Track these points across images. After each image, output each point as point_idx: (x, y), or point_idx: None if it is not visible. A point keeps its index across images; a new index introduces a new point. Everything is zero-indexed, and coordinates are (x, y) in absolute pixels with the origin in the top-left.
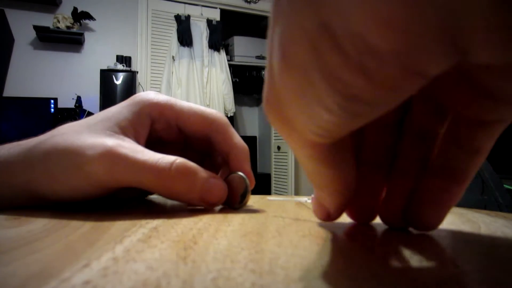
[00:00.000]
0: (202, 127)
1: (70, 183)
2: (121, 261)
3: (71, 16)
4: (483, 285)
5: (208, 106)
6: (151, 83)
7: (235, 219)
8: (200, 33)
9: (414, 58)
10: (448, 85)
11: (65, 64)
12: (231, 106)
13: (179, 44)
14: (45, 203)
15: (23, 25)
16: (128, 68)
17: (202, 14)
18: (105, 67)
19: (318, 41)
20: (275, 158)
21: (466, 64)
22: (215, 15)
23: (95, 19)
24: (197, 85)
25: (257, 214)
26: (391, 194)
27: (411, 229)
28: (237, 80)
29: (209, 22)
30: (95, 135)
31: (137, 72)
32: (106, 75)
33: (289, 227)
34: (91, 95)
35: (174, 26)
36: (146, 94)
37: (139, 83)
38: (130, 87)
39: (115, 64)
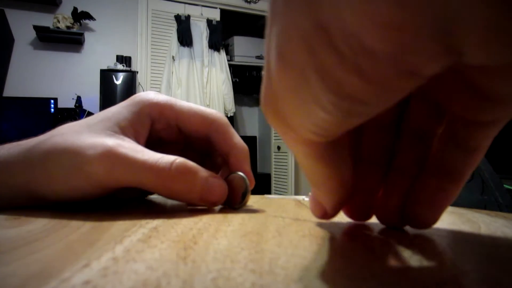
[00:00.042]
0: (202, 127)
1: (70, 183)
2: (121, 261)
3: (71, 16)
4: (483, 285)
5: (208, 106)
6: (151, 83)
7: (235, 219)
8: (200, 33)
9: (409, 59)
10: (445, 86)
11: (65, 64)
12: (231, 106)
13: (179, 44)
14: (45, 203)
15: (23, 25)
16: (128, 68)
17: (202, 14)
18: (105, 67)
19: (314, 41)
20: (275, 158)
21: (461, 65)
22: (215, 15)
23: (95, 19)
24: (197, 85)
25: (257, 214)
26: (388, 193)
27: (407, 228)
28: (237, 80)
29: (209, 22)
30: (95, 135)
31: (137, 72)
32: (106, 75)
33: (289, 227)
34: (91, 95)
35: (174, 26)
36: (146, 94)
37: (139, 83)
38: (130, 87)
39: (115, 64)
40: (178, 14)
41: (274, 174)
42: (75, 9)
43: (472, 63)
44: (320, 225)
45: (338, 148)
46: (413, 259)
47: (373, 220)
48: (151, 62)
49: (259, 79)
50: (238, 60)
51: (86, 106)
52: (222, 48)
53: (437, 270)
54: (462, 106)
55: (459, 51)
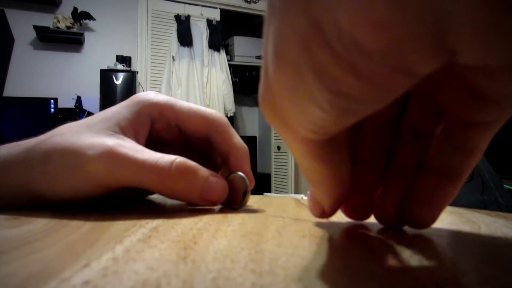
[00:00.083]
0: (202, 127)
1: (70, 183)
2: (121, 261)
3: (71, 16)
4: (483, 285)
5: (208, 106)
6: (151, 83)
7: (235, 219)
8: (200, 33)
9: (403, 58)
10: (442, 86)
11: (65, 64)
12: (231, 106)
13: (179, 44)
14: (45, 203)
15: (23, 25)
16: (128, 68)
17: (202, 14)
18: (105, 67)
19: (309, 39)
20: (275, 158)
21: (457, 65)
22: (215, 15)
23: (95, 19)
24: (197, 85)
25: (257, 214)
26: (386, 193)
27: (406, 228)
28: (237, 80)
29: (209, 22)
30: (95, 135)
31: (137, 72)
32: (106, 75)
33: (289, 227)
34: (91, 95)
35: (174, 26)
36: (146, 94)
37: (139, 83)
38: (130, 87)
39: (115, 64)
40: (178, 14)
41: (274, 174)
42: (75, 9)
43: (466, 62)
44: (320, 225)
45: (336, 147)
46: (413, 259)
47: (373, 220)
48: (151, 62)
49: (259, 79)
50: (238, 60)
51: (86, 106)
52: (222, 48)
53: (437, 270)
54: (459, 106)
55: (452, 49)
